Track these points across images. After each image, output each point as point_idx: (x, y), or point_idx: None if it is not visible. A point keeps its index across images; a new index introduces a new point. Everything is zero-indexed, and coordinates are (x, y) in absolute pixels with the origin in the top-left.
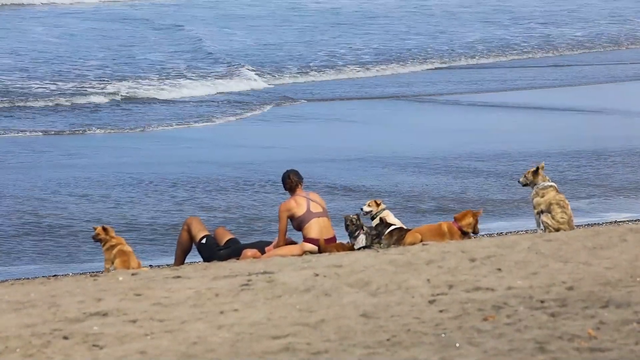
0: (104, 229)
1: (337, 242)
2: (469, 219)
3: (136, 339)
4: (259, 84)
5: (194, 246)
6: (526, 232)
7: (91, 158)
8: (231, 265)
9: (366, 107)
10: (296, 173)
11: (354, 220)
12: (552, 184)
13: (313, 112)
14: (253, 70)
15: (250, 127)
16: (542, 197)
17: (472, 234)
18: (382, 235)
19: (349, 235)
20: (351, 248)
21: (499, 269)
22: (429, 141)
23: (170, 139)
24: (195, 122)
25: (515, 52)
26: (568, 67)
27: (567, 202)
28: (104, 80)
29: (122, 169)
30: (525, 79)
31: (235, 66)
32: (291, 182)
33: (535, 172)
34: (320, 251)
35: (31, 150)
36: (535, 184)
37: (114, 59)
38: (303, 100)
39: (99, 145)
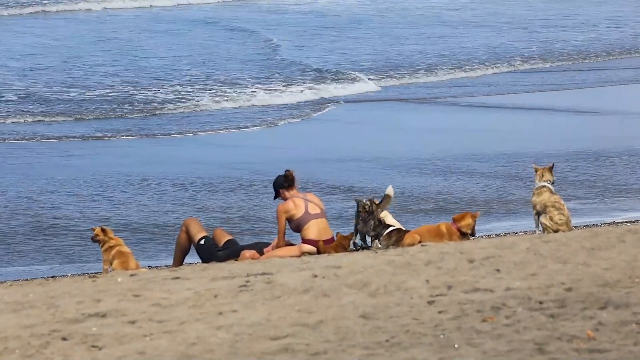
0: (103, 230)
1: (337, 235)
2: (468, 220)
3: (135, 339)
4: (371, 86)
5: (192, 247)
6: (525, 233)
7: (91, 159)
8: (230, 266)
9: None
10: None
11: (367, 207)
12: (546, 183)
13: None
14: (368, 75)
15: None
16: (538, 197)
17: (470, 236)
18: (380, 237)
19: (360, 220)
20: (350, 239)
21: (498, 270)
22: (429, 142)
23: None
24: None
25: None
26: (571, 72)
27: (562, 202)
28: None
29: (120, 169)
30: (526, 83)
31: (349, 71)
32: (291, 175)
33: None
34: (319, 252)
35: (32, 152)
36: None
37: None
38: (341, 102)
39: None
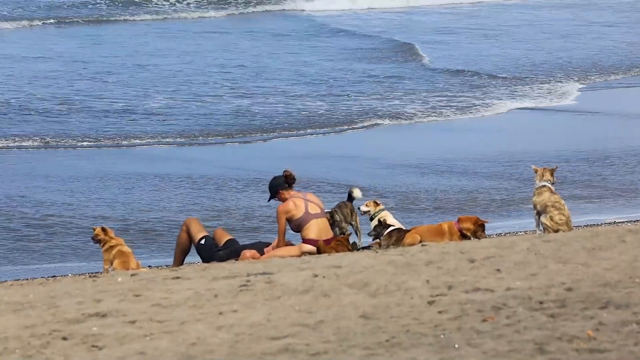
0: (103, 230)
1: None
2: (469, 224)
3: (135, 339)
4: (573, 86)
5: (193, 247)
6: (525, 233)
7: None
8: (230, 266)
9: None
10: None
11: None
12: (546, 183)
13: None
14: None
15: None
16: (538, 196)
17: (473, 238)
18: (381, 236)
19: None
20: (347, 240)
21: (498, 270)
22: (430, 142)
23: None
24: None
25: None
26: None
27: (562, 202)
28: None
29: (120, 170)
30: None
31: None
32: (291, 175)
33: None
34: (319, 252)
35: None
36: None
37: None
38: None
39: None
